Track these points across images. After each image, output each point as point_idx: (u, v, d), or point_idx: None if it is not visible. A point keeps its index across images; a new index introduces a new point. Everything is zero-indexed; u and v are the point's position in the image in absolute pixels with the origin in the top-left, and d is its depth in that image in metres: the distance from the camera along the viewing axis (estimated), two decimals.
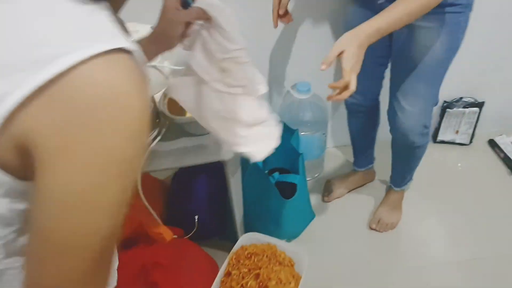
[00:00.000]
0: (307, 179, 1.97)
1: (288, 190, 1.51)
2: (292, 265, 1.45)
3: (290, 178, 1.52)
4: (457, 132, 2.11)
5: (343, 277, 1.62)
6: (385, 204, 1.82)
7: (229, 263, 1.44)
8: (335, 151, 2.16)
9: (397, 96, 1.42)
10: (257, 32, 1.63)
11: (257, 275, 1.35)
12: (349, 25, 1.14)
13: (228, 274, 1.41)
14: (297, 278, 1.39)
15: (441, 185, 1.94)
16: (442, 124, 2.08)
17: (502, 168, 2.03)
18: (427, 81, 1.37)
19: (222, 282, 1.41)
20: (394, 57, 1.43)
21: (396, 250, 1.72)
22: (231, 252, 1.47)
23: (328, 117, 1.87)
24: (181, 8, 0.80)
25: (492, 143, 2.13)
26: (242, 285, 1.35)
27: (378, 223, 1.78)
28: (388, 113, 1.51)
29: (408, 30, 1.29)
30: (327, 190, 1.93)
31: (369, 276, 1.62)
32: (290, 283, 1.35)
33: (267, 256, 1.42)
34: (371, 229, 1.78)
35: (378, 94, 1.64)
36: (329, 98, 1.13)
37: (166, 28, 0.81)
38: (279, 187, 1.48)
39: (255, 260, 1.41)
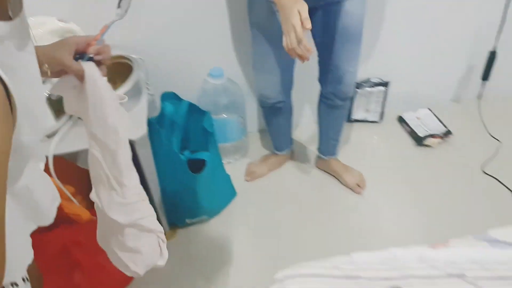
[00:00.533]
0: (230, 161, 2.09)
1: (202, 168, 1.62)
2: None
3: (200, 155, 1.63)
4: (368, 110, 2.29)
5: (264, 252, 1.74)
6: (342, 173, 1.99)
7: None
8: (259, 134, 2.28)
9: (339, 65, 1.59)
10: (172, 23, 1.74)
11: None
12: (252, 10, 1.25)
13: None
14: None
15: (358, 160, 2.10)
16: (354, 104, 2.25)
17: (409, 140, 2.23)
18: (359, 41, 1.57)
19: None
20: (325, 36, 1.55)
21: (318, 222, 1.86)
22: None
23: (245, 100, 1.99)
24: (76, 55, 0.80)
25: (401, 119, 2.33)
26: None
27: (359, 185, 1.96)
28: (329, 83, 1.68)
29: (337, 8, 1.46)
30: (248, 170, 2.05)
31: (292, 250, 1.75)
32: None
33: None
34: (357, 191, 1.96)
35: (292, 87, 1.78)
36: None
37: (50, 53, 0.78)
38: (193, 166, 1.59)
39: None
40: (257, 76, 1.71)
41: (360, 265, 1.10)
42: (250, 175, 2.03)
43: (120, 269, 0.98)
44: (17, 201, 0.75)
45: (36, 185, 0.80)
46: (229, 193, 1.89)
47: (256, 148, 2.21)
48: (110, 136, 0.84)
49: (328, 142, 1.96)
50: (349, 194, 1.97)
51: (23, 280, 0.77)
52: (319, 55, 1.64)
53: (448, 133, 2.20)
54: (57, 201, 0.91)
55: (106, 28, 0.85)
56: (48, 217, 0.86)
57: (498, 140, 2.16)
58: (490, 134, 2.19)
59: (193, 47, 1.85)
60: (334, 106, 1.76)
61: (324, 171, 2.06)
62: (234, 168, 2.06)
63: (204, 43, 1.85)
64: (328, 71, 1.65)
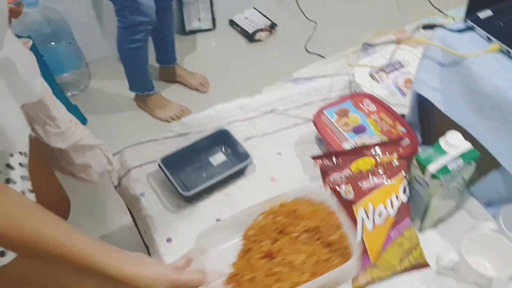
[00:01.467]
0: (75, 92, 2.10)
1: None
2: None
3: None
4: (199, 19, 2.41)
5: None
6: (186, 76, 2.13)
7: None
8: (101, 63, 2.27)
9: None
10: None
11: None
12: None
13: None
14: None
15: (199, 66, 2.23)
16: (184, 15, 2.35)
17: (242, 39, 2.43)
18: None
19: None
20: None
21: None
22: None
23: (71, 25, 1.97)
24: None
25: (231, 22, 2.49)
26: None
27: (203, 85, 2.13)
28: None
29: None
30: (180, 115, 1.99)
31: None
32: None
33: None
34: (203, 89, 2.13)
35: None
36: None
37: None
38: None
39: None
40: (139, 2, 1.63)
41: (190, 124, 1.25)
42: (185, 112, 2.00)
43: (77, 180, 1.13)
44: (1, 74, 0.72)
45: (17, 58, 0.76)
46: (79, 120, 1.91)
47: (101, 76, 2.21)
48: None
49: (168, 48, 2.04)
50: (195, 94, 2.12)
51: (21, 153, 0.80)
52: None
53: (273, 25, 2.43)
54: (38, 78, 0.89)
55: None
56: (35, 93, 0.84)
57: (314, 22, 2.44)
58: (307, 18, 2.47)
59: None
60: (166, 8, 1.84)
61: (169, 80, 2.16)
62: (82, 99, 2.07)
63: None
64: None
